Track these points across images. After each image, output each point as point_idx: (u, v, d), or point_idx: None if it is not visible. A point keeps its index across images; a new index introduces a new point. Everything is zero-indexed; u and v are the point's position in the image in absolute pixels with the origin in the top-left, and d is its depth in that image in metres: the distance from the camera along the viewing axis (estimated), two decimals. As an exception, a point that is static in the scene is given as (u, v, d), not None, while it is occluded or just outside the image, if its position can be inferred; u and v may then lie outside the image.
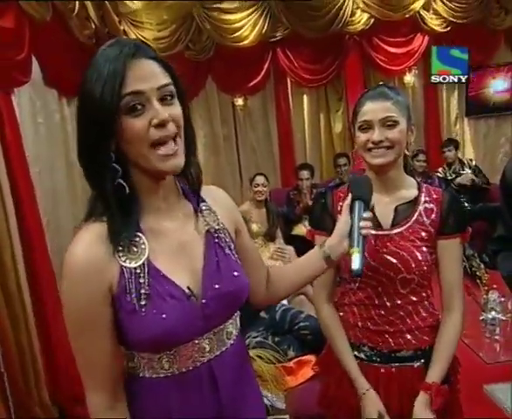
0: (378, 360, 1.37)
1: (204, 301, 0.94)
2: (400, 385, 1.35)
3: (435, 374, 1.31)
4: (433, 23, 5.44)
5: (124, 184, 0.89)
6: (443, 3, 5.29)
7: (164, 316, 0.88)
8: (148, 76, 0.86)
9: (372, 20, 5.37)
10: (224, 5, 5.19)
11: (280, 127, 5.91)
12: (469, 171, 5.12)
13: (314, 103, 5.96)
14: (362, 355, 1.39)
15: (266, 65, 5.63)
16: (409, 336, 1.35)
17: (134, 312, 0.87)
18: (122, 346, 0.95)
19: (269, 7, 5.19)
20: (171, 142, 0.88)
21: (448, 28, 5.43)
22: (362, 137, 1.32)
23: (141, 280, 0.88)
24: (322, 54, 5.61)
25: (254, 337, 2.18)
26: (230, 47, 5.30)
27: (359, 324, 1.39)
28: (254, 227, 4.14)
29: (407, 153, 1.37)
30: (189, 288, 0.93)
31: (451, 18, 5.35)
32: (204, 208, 1.04)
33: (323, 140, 6.01)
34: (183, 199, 1.03)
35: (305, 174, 4.81)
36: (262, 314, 2.65)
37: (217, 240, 1.01)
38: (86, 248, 0.88)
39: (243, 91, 5.75)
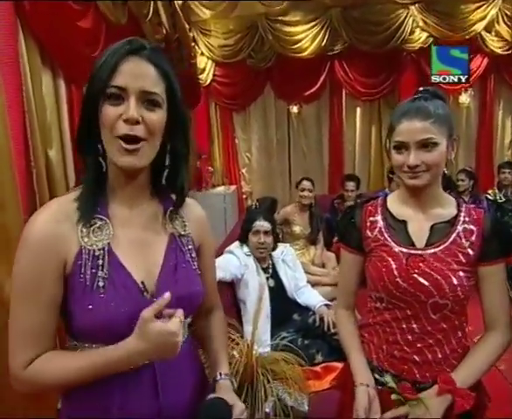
0: None
1: (155, 299, 0.85)
2: None
3: (458, 378, 1.12)
4: (495, 45, 5.04)
5: (102, 162, 0.87)
6: (506, 25, 4.87)
7: (113, 304, 0.83)
8: (137, 76, 0.83)
9: (431, 39, 5.07)
10: (287, 17, 5.12)
11: (332, 136, 5.77)
12: None
13: (366, 116, 5.75)
14: (383, 381, 1.19)
15: (322, 77, 5.51)
16: (436, 368, 1.16)
17: (84, 294, 0.82)
18: (68, 335, 0.89)
19: (329, 21, 5.05)
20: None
21: (510, 51, 5.01)
22: (397, 159, 1.15)
23: (100, 262, 0.84)
24: (379, 69, 5.39)
25: (284, 337, 2.06)
26: (289, 57, 5.24)
27: (384, 347, 1.22)
28: (297, 229, 3.97)
29: (445, 171, 1.19)
30: (143, 283, 0.88)
31: (514, 41, 4.93)
32: (174, 212, 0.99)
33: (373, 153, 5.78)
34: (155, 198, 0.98)
35: (351, 185, 4.60)
36: (295, 316, 2.52)
37: (179, 244, 0.97)
38: (48, 220, 0.84)
39: (299, 99, 5.67)
